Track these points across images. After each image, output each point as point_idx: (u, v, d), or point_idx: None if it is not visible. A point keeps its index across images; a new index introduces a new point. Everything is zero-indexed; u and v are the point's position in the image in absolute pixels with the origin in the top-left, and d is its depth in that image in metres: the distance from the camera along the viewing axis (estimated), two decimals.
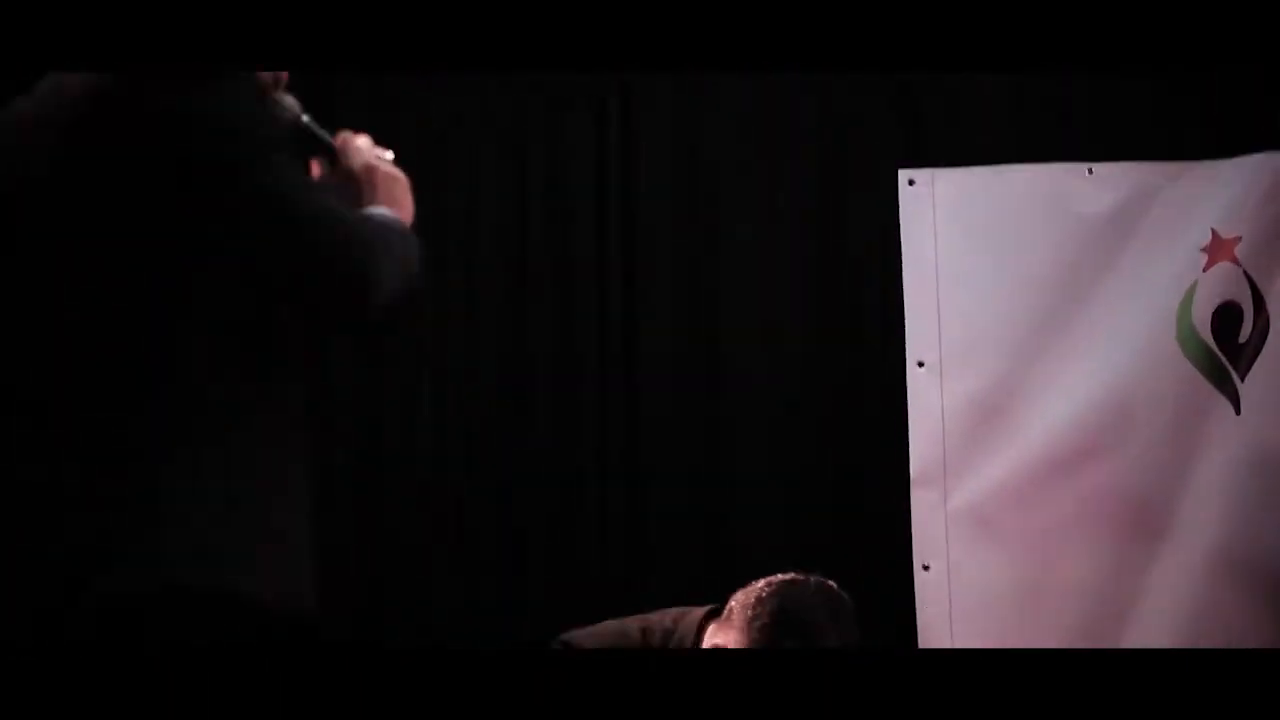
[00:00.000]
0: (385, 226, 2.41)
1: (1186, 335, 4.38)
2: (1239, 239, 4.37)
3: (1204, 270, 4.39)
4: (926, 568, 4.42)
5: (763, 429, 4.62)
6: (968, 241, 4.48)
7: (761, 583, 3.49)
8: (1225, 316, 4.38)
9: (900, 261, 4.50)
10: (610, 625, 3.58)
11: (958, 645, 4.36)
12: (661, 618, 3.58)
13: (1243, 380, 4.35)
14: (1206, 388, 4.36)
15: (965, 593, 4.40)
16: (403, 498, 4.55)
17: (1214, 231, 4.38)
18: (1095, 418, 4.39)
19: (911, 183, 4.51)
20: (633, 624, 3.56)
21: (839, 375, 4.65)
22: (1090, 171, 4.45)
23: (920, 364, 4.47)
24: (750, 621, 3.40)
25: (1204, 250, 4.39)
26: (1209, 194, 4.40)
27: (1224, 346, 4.37)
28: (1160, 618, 4.30)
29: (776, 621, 3.39)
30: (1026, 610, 4.37)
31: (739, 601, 3.47)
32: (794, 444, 4.62)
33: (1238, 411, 4.34)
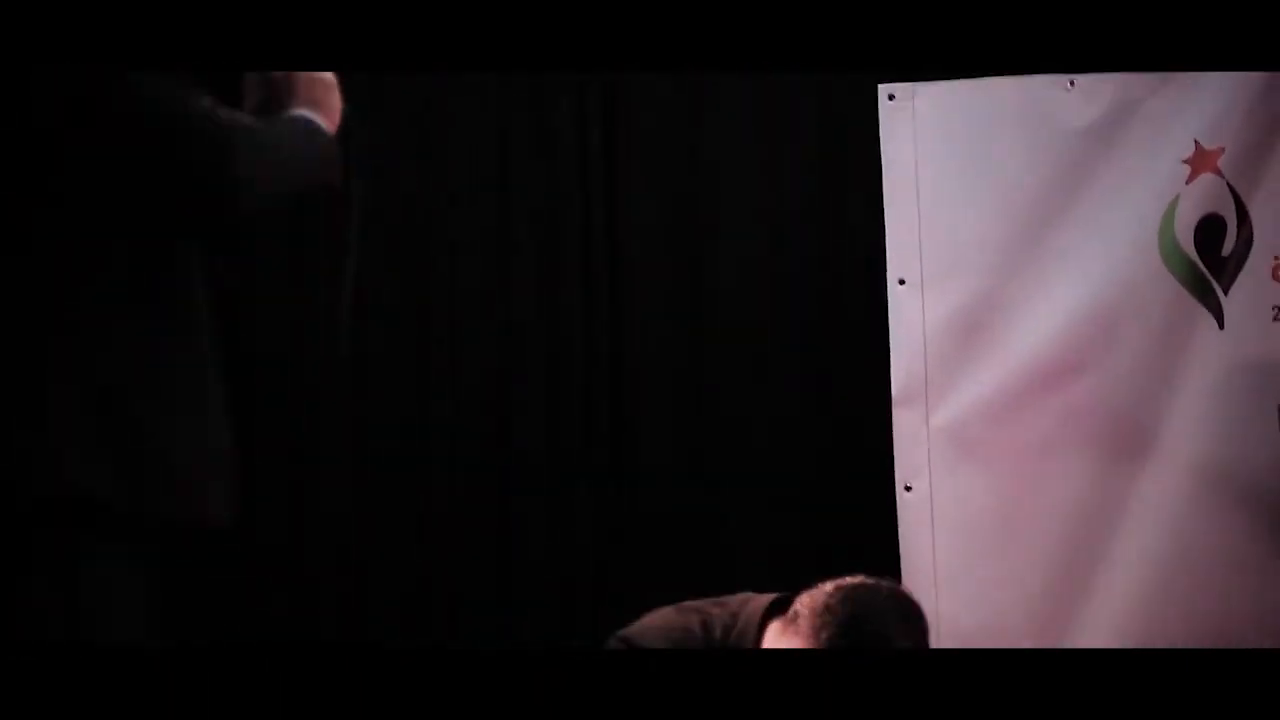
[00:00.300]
0: (281, 128, 2.36)
1: (1169, 249, 4.33)
2: (1222, 150, 4.30)
3: (1186, 183, 4.33)
4: (909, 488, 4.39)
5: (744, 350, 4.57)
6: (949, 156, 4.42)
7: (829, 586, 3.29)
8: (1208, 229, 4.33)
9: (880, 177, 4.44)
10: (669, 617, 3.39)
11: (940, 566, 4.34)
12: (721, 610, 3.39)
13: (1226, 293, 4.31)
14: (1190, 301, 4.32)
15: (948, 512, 4.37)
16: (388, 499, 4.49)
17: (1197, 143, 4.32)
18: (1078, 333, 4.35)
19: (891, 97, 4.45)
20: (692, 617, 3.38)
21: (820, 295, 4.58)
22: (1071, 84, 4.38)
23: (901, 281, 4.43)
24: (817, 630, 3.21)
25: (1186, 162, 4.32)
26: (1192, 105, 4.33)
27: (1207, 259, 4.32)
28: (1145, 533, 4.29)
29: (847, 630, 3.21)
30: (1010, 529, 4.35)
31: (806, 606, 3.27)
32: (775, 366, 4.57)
33: (1221, 325, 4.30)
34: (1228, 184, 4.31)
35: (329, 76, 2.46)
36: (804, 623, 3.26)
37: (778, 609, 3.37)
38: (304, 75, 2.43)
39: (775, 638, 3.32)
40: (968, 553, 4.35)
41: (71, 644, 2.12)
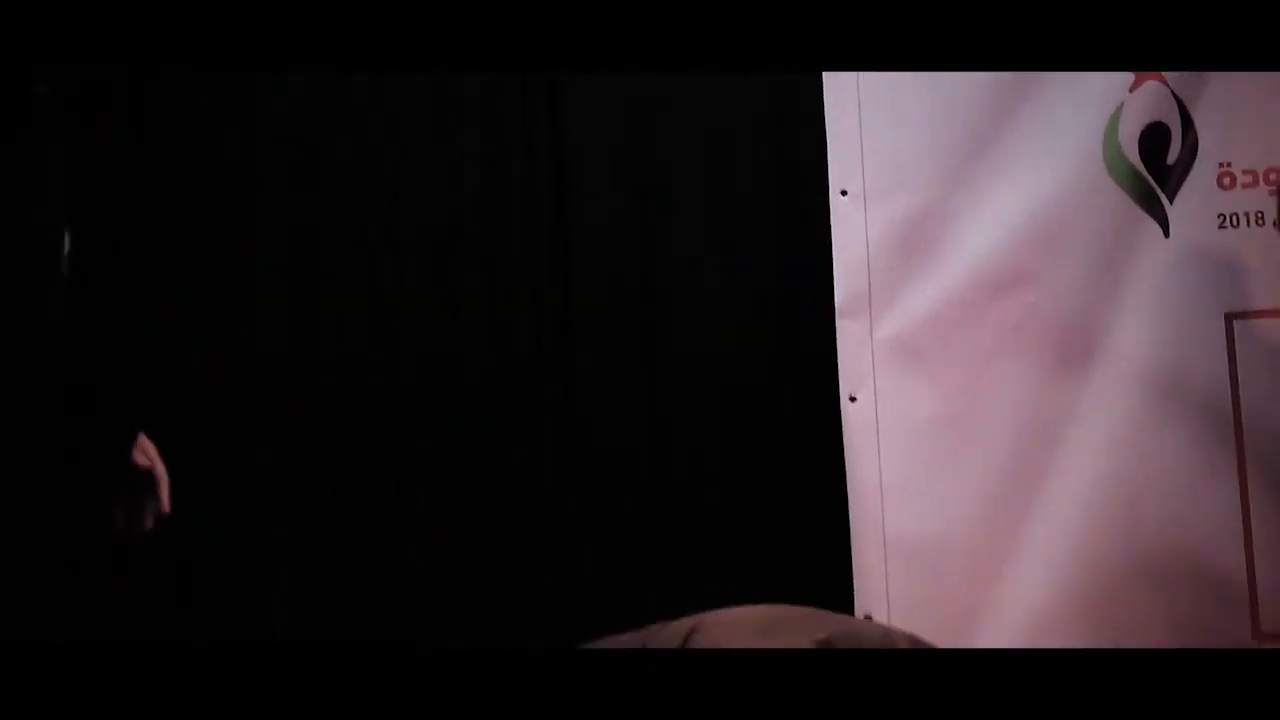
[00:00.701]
0: None
1: (1113, 157, 4.30)
2: None
3: (1130, 90, 4.29)
4: (853, 398, 4.38)
5: (689, 261, 4.51)
6: None
7: (879, 632, 3.21)
8: (1153, 137, 4.29)
9: (822, 89, 4.39)
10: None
11: (886, 476, 4.34)
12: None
13: (1171, 202, 4.28)
14: (1135, 210, 4.30)
15: (893, 423, 4.37)
16: (341, 511, 4.44)
17: None
18: (1022, 243, 4.33)
19: None
20: None
21: (763, 207, 4.53)
22: None
23: (844, 193, 4.40)
24: None
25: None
26: None
27: (1152, 168, 4.29)
28: (1093, 442, 4.28)
29: None
30: (956, 438, 4.35)
31: None
32: (720, 277, 4.52)
33: (1166, 233, 4.28)
34: (1172, 92, 4.28)
35: None
36: None
37: None
38: None
39: None
40: (913, 462, 4.35)
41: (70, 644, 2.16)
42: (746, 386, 4.47)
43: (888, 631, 3.15)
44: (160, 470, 2.83)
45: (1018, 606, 4.26)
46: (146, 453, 2.87)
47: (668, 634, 3.18)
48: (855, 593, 4.31)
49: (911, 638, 3.10)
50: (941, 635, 4.06)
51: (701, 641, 3.09)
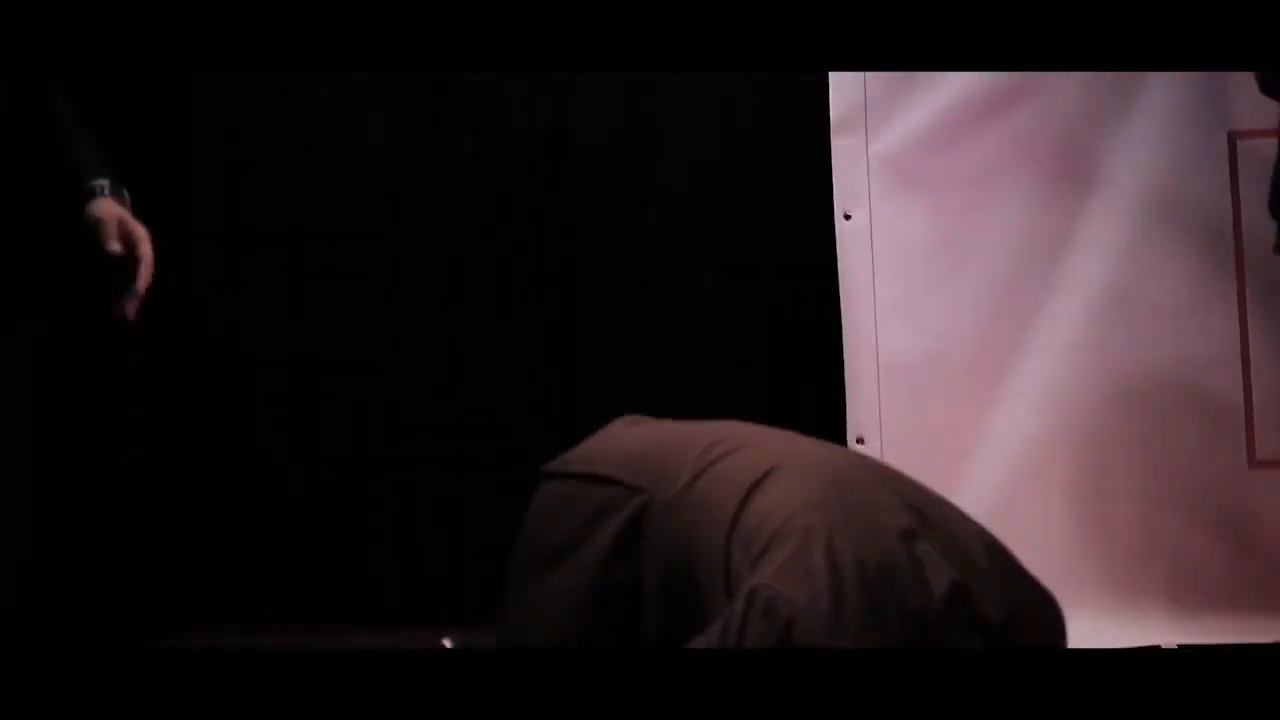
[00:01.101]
0: None
1: None
2: None
3: None
4: (848, 217, 4.30)
5: (684, 87, 4.40)
6: None
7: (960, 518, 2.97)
8: None
9: None
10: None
11: (880, 296, 4.28)
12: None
13: None
14: None
15: (887, 241, 4.30)
16: (341, 510, 4.37)
17: None
18: None
19: None
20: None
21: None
22: None
23: None
24: None
25: None
26: None
27: None
28: (1091, 261, 4.24)
29: None
30: (952, 256, 4.29)
31: None
32: (713, 98, 4.41)
33: None
34: None
35: None
36: None
37: None
38: None
39: None
40: (909, 281, 4.29)
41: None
42: (749, 387, 4.40)
43: (977, 525, 2.99)
44: (143, 251, 2.76)
45: (1011, 429, 4.26)
46: (127, 234, 2.80)
47: (739, 462, 2.95)
48: (848, 414, 4.28)
49: (983, 532, 2.94)
50: (934, 457, 4.07)
51: (779, 484, 2.90)
